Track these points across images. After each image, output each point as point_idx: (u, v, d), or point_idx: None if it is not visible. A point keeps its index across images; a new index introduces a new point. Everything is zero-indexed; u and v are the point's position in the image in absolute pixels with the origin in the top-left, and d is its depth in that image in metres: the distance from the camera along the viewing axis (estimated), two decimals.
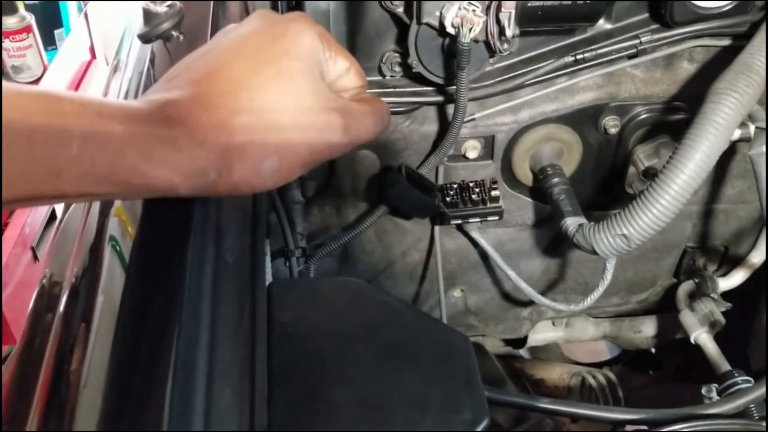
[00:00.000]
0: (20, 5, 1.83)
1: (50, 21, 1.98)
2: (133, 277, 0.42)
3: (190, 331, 0.38)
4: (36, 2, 1.93)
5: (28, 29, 1.78)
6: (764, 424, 0.51)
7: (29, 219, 1.59)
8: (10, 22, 1.75)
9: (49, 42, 1.97)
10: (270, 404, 0.47)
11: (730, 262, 0.96)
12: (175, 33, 0.61)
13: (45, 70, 1.85)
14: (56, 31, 2.00)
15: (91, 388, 0.38)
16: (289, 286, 0.60)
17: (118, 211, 0.47)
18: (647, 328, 1.04)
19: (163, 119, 0.37)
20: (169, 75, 0.42)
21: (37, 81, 1.84)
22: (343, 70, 0.46)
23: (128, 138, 0.35)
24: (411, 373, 0.50)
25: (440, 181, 0.82)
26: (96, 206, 0.50)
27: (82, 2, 2.07)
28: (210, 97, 0.39)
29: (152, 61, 0.62)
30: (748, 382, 0.75)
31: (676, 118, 0.79)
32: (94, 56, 2.10)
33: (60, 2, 2.00)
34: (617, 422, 0.49)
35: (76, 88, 1.89)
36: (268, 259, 0.70)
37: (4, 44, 1.77)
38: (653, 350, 1.20)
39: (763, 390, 0.54)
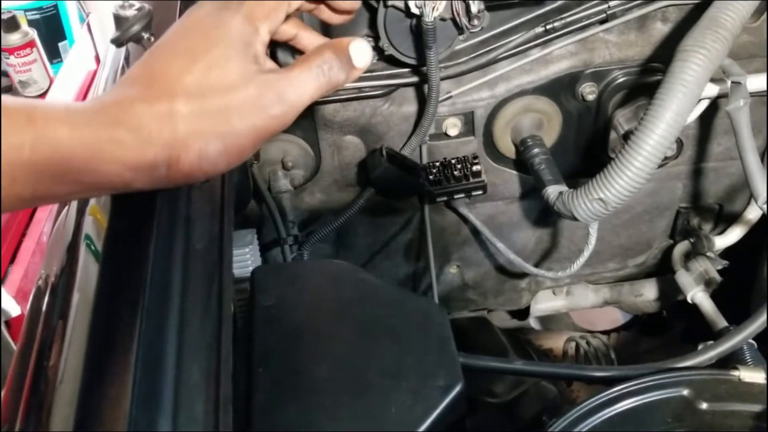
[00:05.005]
0: (22, 21, 1.86)
1: (53, 34, 2.01)
2: (106, 270, 0.44)
3: (157, 314, 0.40)
4: (38, 17, 1.97)
5: (31, 44, 1.81)
6: (737, 373, 0.52)
7: (46, 228, 1.64)
8: (13, 38, 1.79)
9: (54, 55, 2.00)
10: (254, 381, 0.50)
11: (725, 219, 0.96)
12: (145, 35, 0.63)
13: (51, 82, 1.89)
14: (60, 44, 2.03)
15: (68, 382, 0.40)
16: (271, 271, 0.62)
17: (93, 210, 0.49)
18: (648, 292, 1.04)
19: (109, 119, 0.39)
20: (120, 78, 0.44)
21: (44, 94, 1.87)
22: (277, 21, 0.46)
23: (76, 139, 0.37)
24: (387, 345, 0.52)
25: (424, 161, 0.83)
26: (74, 206, 0.52)
27: (84, 14, 2.11)
28: (151, 94, 0.41)
29: (127, 59, 0.64)
30: None
31: (653, 79, 0.79)
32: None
33: (62, 16, 2.03)
34: (590, 380, 0.51)
35: (84, 97, 1.93)
36: (255, 245, 0.72)
37: (9, 60, 1.81)
38: (664, 313, 1.20)
39: (734, 341, 0.55)
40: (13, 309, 1.34)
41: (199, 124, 0.41)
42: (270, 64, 0.45)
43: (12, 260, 1.50)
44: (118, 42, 0.64)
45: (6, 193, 0.36)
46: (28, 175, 0.36)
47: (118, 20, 0.64)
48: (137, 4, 0.64)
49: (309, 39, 0.53)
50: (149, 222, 0.44)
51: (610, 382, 0.50)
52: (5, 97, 0.37)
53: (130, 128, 0.39)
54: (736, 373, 0.51)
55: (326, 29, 0.75)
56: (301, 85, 0.44)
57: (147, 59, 0.43)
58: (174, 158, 0.40)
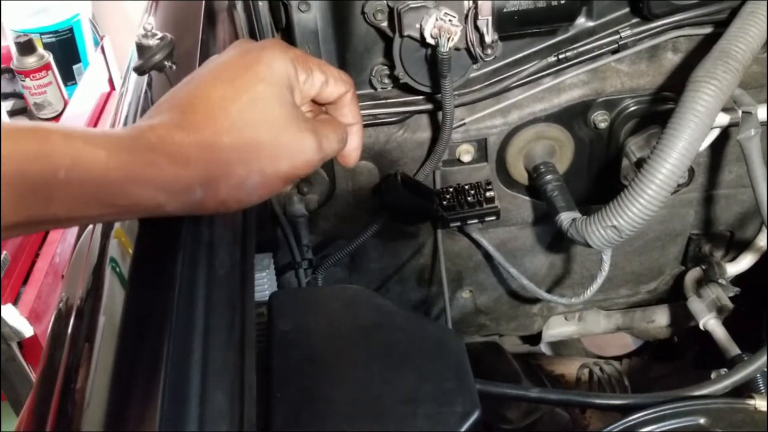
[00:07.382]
0: (38, 44, 1.90)
1: (68, 57, 2.05)
2: (131, 296, 0.45)
3: (183, 339, 0.41)
4: (54, 40, 2.01)
5: (47, 67, 1.84)
6: (753, 402, 0.52)
7: (59, 249, 1.65)
8: (29, 61, 1.82)
9: (69, 77, 2.04)
10: (272, 405, 0.50)
11: (736, 246, 0.96)
12: (167, 63, 0.64)
13: (66, 105, 1.92)
14: (74, 67, 2.07)
15: (95, 405, 0.40)
16: (289, 296, 0.63)
17: (118, 233, 0.50)
18: (660, 318, 1.04)
19: (145, 143, 0.40)
20: (155, 105, 0.45)
21: (58, 116, 1.90)
22: (321, 84, 0.49)
23: (112, 162, 0.38)
24: (404, 371, 0.52)
25: (438, 186, 0.84)
26: (98, 229, 0.53)
27: (98, 37, 2.14)
28: (191, 120, 0.42)
29: (149, 84, 0.65)
30: None
31: (664, 108, 0.80)
32: (113, 87, 2.17)
33: (77, 39, 2.07)
34: (606, 408, 0.51)
35: (97, 119, 1.96)
36: (271, 269, 0.73)
37: (25, 83, 1.84)
38: (675, 339, 1.20)
39: (749, 369, 0.55)
40: (26, 330, 1.35)
41: (243, 154, 0.42)
42: (302, 112, 0.47)
43: (25, 281, 1.51)
44: (140, 71, 0.66)
45: (43, 212, 0.37)
46: (65, 196, 0.37)
47: (141, 49, 0.65)
48: (159, 34, 0.66)
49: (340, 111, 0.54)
50: (175, 246, 0.45)
51: (626, 410, 0.51)
52: (42, 123, 0.38)
53: (167, 152, 0.40)
54: (751, 402, 0.51)
55: (342, 58, 0.77)
56: (333, 142, 0.48)
57: (186, 86, 0.44)
58: (213, 184, 0.41)
